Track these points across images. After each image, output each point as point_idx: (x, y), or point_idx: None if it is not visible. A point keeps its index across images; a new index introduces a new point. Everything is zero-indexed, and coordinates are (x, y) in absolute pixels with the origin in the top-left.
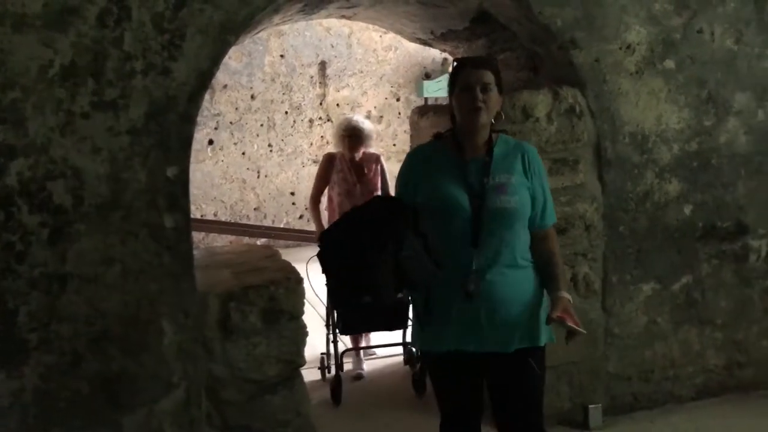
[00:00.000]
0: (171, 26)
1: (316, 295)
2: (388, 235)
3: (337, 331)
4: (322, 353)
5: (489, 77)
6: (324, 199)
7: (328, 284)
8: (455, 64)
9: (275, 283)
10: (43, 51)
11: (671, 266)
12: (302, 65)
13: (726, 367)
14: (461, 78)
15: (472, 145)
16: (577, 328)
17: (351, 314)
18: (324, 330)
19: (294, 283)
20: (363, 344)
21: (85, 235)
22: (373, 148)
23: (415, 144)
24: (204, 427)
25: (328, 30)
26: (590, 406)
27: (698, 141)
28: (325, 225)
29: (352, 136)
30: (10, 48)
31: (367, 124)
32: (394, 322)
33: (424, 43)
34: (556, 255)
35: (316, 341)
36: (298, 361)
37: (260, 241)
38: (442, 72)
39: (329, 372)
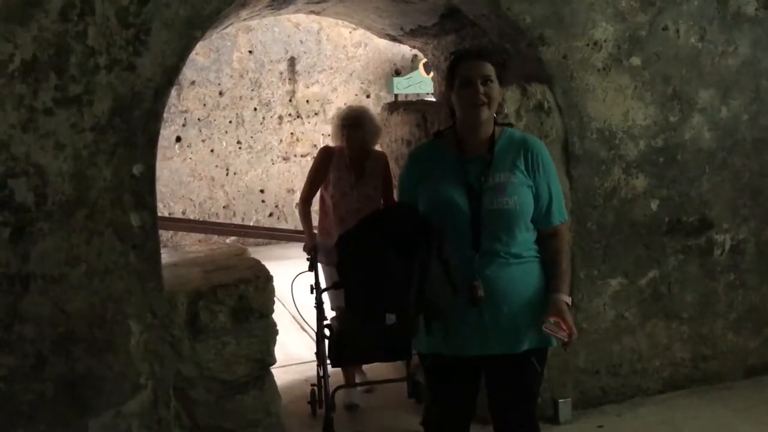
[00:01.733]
0: (136, 21)
1: (302, 317)
2: (415, 262)
3: (328, 363)
4: (312, 385)
5: (489, 69)
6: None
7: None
8: (453, 57)
9: (244, 281)
10: (3, 45)
11: (638, 261)
12: (271, 61)
13: (692, 360)
14: (460, 72)
15: (474, 143)
16: (558, 336)
17: (355, 338)
18: (298, 330)
19: (263, 281)
20: (358, 379)
21: (49, 234)
22: (387, 142)
23: (385, 141)
24: (173, 427)
25: (297, 26)
26: (560, 400)
27: (664, 137)
28: (316, 229)
29: (353, 126)
30: None
31: (371, 114)
32: (398, 351)
33: (394, 39)
34: (560, 254)
35: (286, 339)
36: (269, 360)
37: (229, 240)
38: (412, 68)
39: (320, 407)
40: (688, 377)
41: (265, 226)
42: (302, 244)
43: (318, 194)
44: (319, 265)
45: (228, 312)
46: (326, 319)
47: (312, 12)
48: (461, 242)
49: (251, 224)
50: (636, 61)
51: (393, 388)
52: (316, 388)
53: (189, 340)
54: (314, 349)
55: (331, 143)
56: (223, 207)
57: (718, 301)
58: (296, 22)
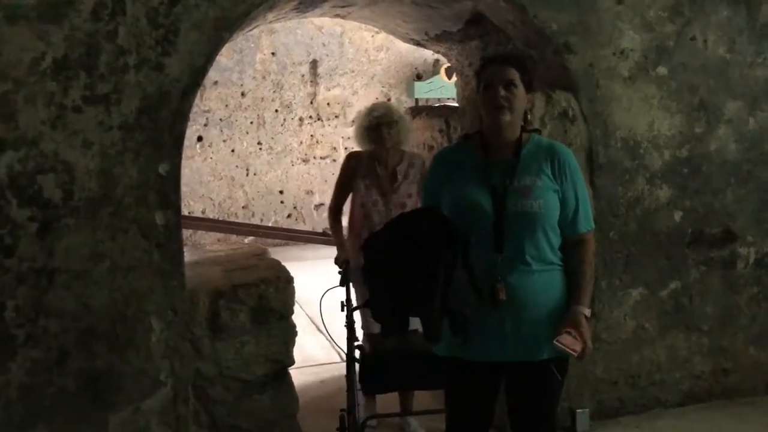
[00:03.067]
0: (165, 21)
1: (332, 340)
2: (440, 267)
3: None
4: (341, 410)
5: (513, 74)
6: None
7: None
8: (481, 61)
9: (265, 281)
10: (36, 43)
11: (659, 272)
12: (293, 63)
13: (712, 373)
14: (485, 75)
15: (500, 146)
16: (569, 350)
17: (388, 362)
18: (316, 334)
19: (284, 282)
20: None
21: (75, 230)
22: (410, 146)
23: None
24: (191, 425)
25: (320, 29)
26: (578, 410)
27: (689, 148)
28: (352, 239)
29: (387, 123)
30: (3, 40)
31: (401, 111)
32: (436, 379)
33: (418, 44)
34: (583, 264)
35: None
36: (287, 361)
37: (248, 239)
38: (434, 73)
39: None
40: (708, 391)
41: (283, 226)
42: (319, 247)
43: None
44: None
45: (248, 312)
46: (357, 340)
47: (337, 15)
48: (484, 245)
49: (269, 224)
50: (663, 71)
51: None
52: (345, 413)
53: (209, 339)
54: (330, 351)
55: (356, 148)
56: (242, 207)
57: (740, 315)
58: (319, 24)
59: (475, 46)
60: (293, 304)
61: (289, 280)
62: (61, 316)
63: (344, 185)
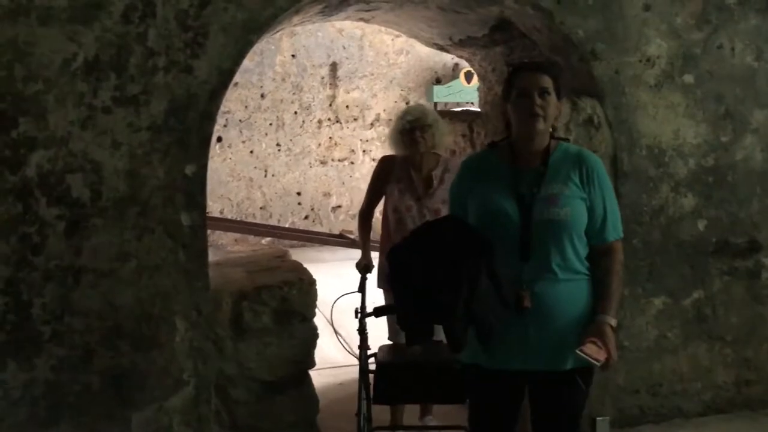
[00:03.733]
0: (195, 24)
1: (346, 344)
2: (464, 276)
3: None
4: (356, 414)
5: (547, 81)
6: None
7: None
8: (511, 68)
9: (288, 284)
10: (67, 45)
11: (683, 281)
12: (313, 66)
13: (735, 383)
14: (518, 82)
15: (528, 154)
16: (593, 359)
17: (402, 373)
18: (334, 338)
19: (307, 284)
20: (413, 421)
21: (102, 229)
22: (445, 151)
23: None
24: (212, 425)
25: (340, 31)
26: (598, 418)
27: (714, 156)
28: (385, 244)
29: (425, 127)
30: (35, 41)
31: (436, 114)
32: (447, 393)
33: (441, 48)
34: (611, 274)
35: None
36: (309, 363)
37: (265, 240)
38: (453, 77)
39: None
40: (730, 401)
41: (301, 228)
42: (336, 249)
43: (381, 210)
44: (379, 290)
45: (271, 313)
46: (370, 348)
47: (361, 19)
48: (510, 252)
49: (287, 226)
50: (689, 78)
51: None
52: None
53: (232, 340)
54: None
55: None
56: (260, 208)
57: (764, 325)
58: (339, 27)
59: (499, 52)
60: (315, 306)
61: (312, 282)
62: (86, 314)
63: (376, 189)
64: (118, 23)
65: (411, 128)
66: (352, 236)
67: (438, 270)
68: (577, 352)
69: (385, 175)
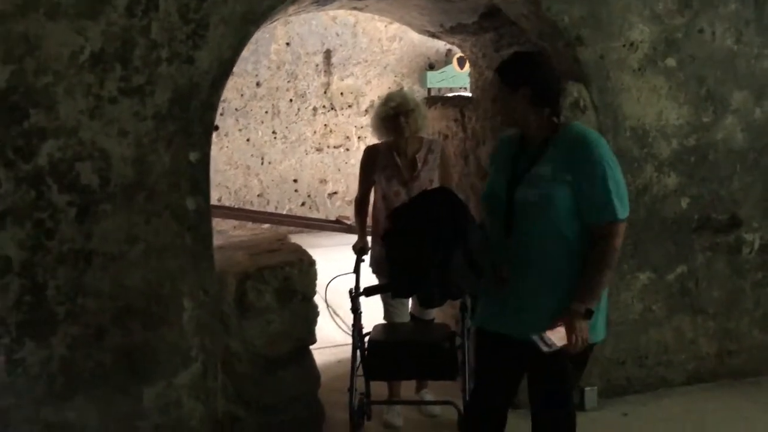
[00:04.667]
0: (196, 16)
1: (342, 322)
2: (440, 243)
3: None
4: (361, 394)
5: (493, 81)
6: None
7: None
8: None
9: (289, 264)
10: (75, 38)
11: (667, 257)
12: (307, 53)
13: (717, 354)
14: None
15: (530, 137)
16: (540, 344)
17: (393, 350)
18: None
19: (307, 264)
20: (410, 395)
21: (111, 214)
22: (427, 133)
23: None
24: (220, 399)
25: (333, 19)
26: (586, 388)
27: (696, 137)
28: (376, 231)
29: (407, 112)
30: (44, 34)
31: (416, 99)
32: (438, 369)
33: (432, 35)
34: (589, 261)
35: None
36: (310, 339)
37: (264, 227)
38: (446, 63)
39: (368, 419)
40: (713, 371)
41: (298, 214)
42: (334, 234)
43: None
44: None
45: (273, 292)
46: (363, 327)
47: (354, 8)
48: (498, 228)
49: (284, 212)
50: (671, 62)
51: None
52: (363, 397)
53: (237, 318)
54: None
55: (371, 138)
56: (258, 195)
57: (745, 298)
58: (333, 15)
59: (488, 38)
60: (315, 285)
61: (312, 262)
62: (98, 295)
63: (365, 179)
64: (123, 17)
65: (395, 114)
66: (348, 222)
67: (423, 234)
68: (532, 336)
69: (371, 164)
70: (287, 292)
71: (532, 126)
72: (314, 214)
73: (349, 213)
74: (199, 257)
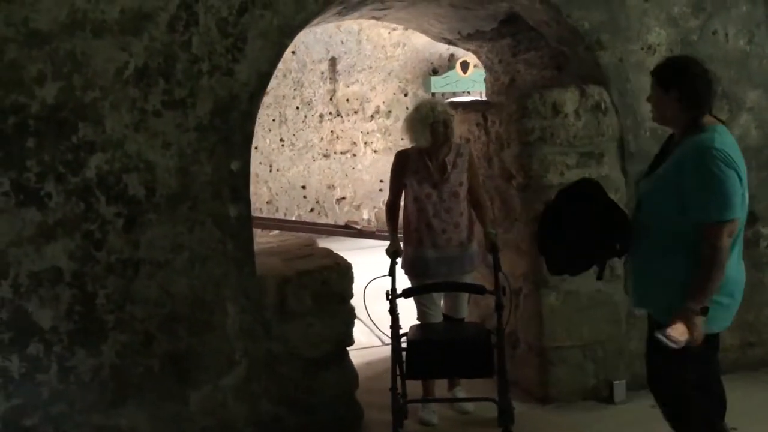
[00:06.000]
0: (234, 30)
1: (374, 323)
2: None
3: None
4: (397, 394)
5: (650, 82)
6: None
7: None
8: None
9: (327, 268)
10: (119, 54)
11: None
12: (313, 61)
13: (739, 346)
14: None
15: (675, 136)
16: (666, 341)
17: (431, 349)
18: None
19: (344, 268)
20: (443, 393)
21: (157, 224)
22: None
23: None
24: (263, 400)
25: (338, 26)
26: (615, 381)
27: None
28: (408, 234)
29: (445, 122)
30: (90, 52)
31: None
32: (476, 367)
33: (450, 42)
34: (701, 262)
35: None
36: (348, 340)
37: (273, 233)
38: (449, 68)
39: (405, 417)
40: (734, 362)
41: (307, 220)
42: (343, 239)
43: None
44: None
45: (312, 296)
46: (401, 328)
47: (374, 18)
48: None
49: (293, 219)
50: None
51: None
52: (400, 397)
53: (278, 321)
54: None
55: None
56: (267, 202)
57: (764, 291)
58: (337, 23)
59: (505, 44)
60: (352, 288)
61: (348, 266)
62: (146, 302)
63: (398, 183)
64: (165, 33)
65: (443, 121)
66: (358, 226)
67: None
68: (657, 335)
69: (402, 169)
70: (326, 295)
71: (679, 125)
72: (323, 220)
73: (357, 218)
74: (241, 263)
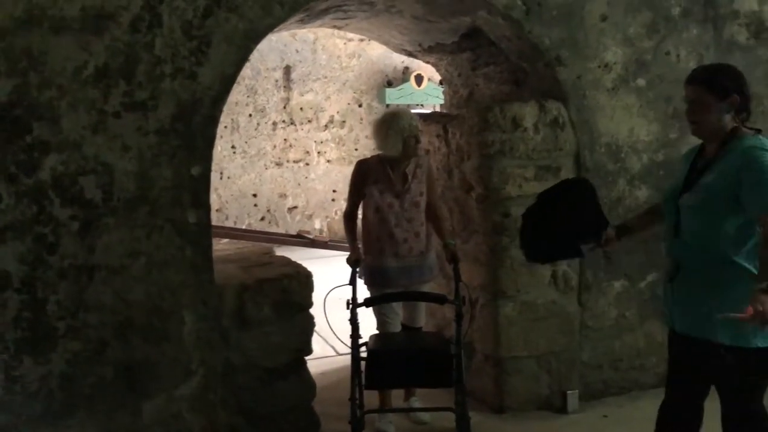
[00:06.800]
0: (199, 33)
1: (333, 333)
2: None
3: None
4: (349, 399)
5: (694, 92)
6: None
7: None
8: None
9: (288, 276)
10: (79, 53)
11: (639, 265)
12: (267, 69)
13: None
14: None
15: (709, 148)
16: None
17: (392, 358)
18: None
19: (304, 277)
20: (399, 404)
21: (113, 228)
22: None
23: None
24: (220, 411)
25: (293, 35)
26: (568, 391)
27: (664, 152)
28: (367, 244)
29: (418, 138)
30: (48, 49)
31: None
32: (438, 377)
33: (410, 54)
34: (761, 245)
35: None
36: (307, 349)
37: (223, 241)
38: (404, 80)
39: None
40: None
41: (257, 229)
42: (295, 249)
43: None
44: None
45: (272, 304)
46: (361, 338)
47: (335, 27)
48: (669, 228)
49: (243, 227)
50: (641, 82)
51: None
52: (357, 408)
53: (236, 330)
54: (325, 346)
55: (335, 155)
56: (216, 210)
57: None
58: (293, 31)
59: (465, 58)
60: (311, 297)
61: (309, 274)
62: (100, 309)
63: (356, 192)
64: (127, 33)
65: (416, 135)
66: (310, 236)
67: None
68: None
69: (363, 178)
70: (286, 303)
71: (721, 135)
72: (274, 229)
73: (309, 228)
74: (200, 270)
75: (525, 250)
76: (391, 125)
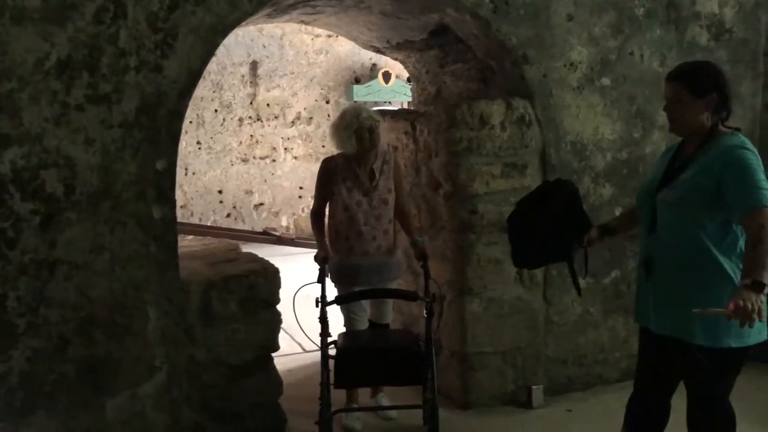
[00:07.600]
0: (165, 26)
1: (302, 330)
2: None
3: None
4: (319, 398)
5: (672, 89)
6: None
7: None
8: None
9: (254, 273)
10: (41, 44)
11: (603, 262)
12: (233, 64)
13: None
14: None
15: (689, 145)
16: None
17: (361, 357)
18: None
19: (271, 273)
20: (368, 402)
21: (76, 223)
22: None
23: None
24: (184, 408)
25: (260, 30)
26: (533, 386)
27: (628, 151)
28: (335, 243)
29: (373, 129)
30: (9, 40)
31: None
32: (408, 375)
33: (378, 50)
34: (747, 243)
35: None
36: (274, 346)
37: (188, 238)
38: (371, 77)
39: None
40: None
41: (223, 226)
42: (261, 246)
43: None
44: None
45: (238, 301)
46: (330, 336)
47: (302, 22)
48: (645, 225)
49: (209, 224)
50: (606, 81)
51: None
52: (324, 406)
53: (201, 327)
54: (292, 343)
55: (303, 152)
56: (181, 206)
57: None
58: (260, 26)
59: (433, 55)
60: (278, 294)
61: (275, 271)
62: (61, 305)
63: (323, 190)
64: (90, 24)
65: (369, 127)
66: (276, 233)
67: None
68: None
69: (330, 176)
70: (252, 300)
71: (702, 133)
72: (240, 226)
73: (276, 224)
74: (165, 266)
75: (512, 256)
76: (340, 125)
